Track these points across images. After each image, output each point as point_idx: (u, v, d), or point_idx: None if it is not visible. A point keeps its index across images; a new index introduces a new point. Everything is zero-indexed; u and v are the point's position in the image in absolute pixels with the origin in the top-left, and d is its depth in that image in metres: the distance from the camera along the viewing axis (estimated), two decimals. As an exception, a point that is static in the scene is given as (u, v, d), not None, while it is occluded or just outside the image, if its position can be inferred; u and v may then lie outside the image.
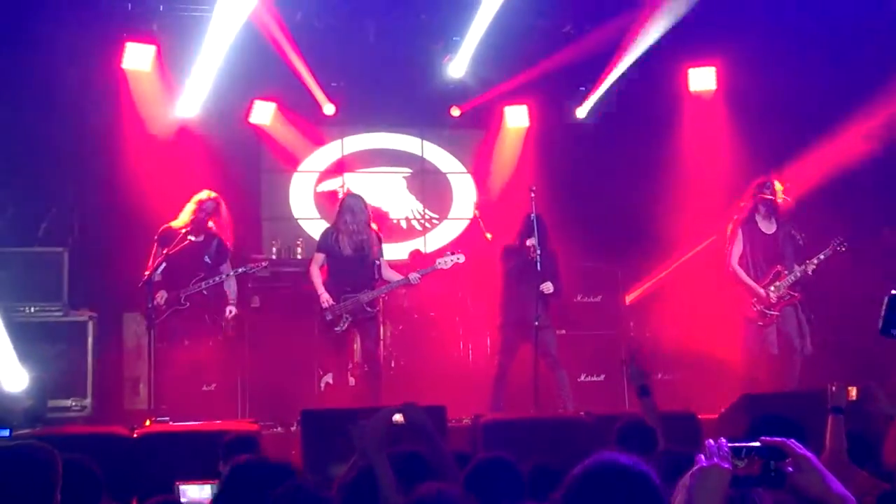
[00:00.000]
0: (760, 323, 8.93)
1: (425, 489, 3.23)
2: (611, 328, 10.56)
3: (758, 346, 8.95)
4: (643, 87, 11.81)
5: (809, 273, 8.94)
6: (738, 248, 9.06)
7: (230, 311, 8.90)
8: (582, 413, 8.23)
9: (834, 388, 5.25)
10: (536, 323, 8.85)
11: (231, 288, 9.02)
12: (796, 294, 8.96)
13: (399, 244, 12.31)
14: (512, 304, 9.19)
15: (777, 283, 8.91)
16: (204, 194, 8.90)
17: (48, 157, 10.17)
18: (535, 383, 8.88)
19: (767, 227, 9.08)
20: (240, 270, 8.75)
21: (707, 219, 10.62)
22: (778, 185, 9.17)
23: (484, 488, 3.70)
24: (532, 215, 9.01)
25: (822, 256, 8.88)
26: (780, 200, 9.09)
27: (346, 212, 8.95)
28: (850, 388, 5.28)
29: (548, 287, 9.02)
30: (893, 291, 1.79)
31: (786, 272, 8.94)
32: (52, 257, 9.60)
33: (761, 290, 8.89)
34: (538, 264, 8.86)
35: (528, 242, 9.00)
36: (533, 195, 9.01)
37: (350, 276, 8.79)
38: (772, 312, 8.89)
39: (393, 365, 10.51)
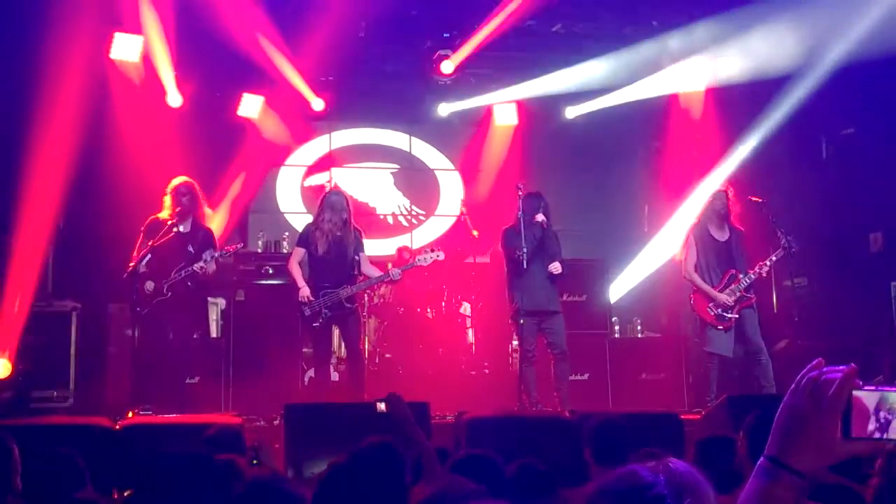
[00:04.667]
0: (720, 327, 8.97)
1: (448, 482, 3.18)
2: (595, 328, 10.57)
3: (720, 349, 8.99)
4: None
5: (763, 275, 9.03)
6: (692, 256, 9.12)
7: (201, 267, 8.66)
8: (566, 412, 8.24)
9: None
10: (536, 319, 8.95)
11: (210, 269, 8.79)
12: (752, 296, 9.03)
13: (385, 240, 12.32)
14: (524, 289, 9.02)
15: (732, 287, 8.97)
16: (177, 181, 8.83)
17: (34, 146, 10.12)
18: (520, 380, 8.88)
19: (719, 234, 9.16)
20: (215, 254, 8.67)
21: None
22: (730, 193, 9.26)
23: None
24: (536, 194, 9.14)
25: (773, 258, 8.97)
26: (758, 201, 9.16)
27: (325, 209, 8.89)
28: None
29: (556, 267, 9.00)
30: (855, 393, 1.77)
31: (740, 275, 9.00)
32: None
33: (719, 295, 8.95)
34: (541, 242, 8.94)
35: (538, 218, 8.97)
36: (520, 193, 9.02)
37: (326, 273, 8.73)
38: (731, 315, 8.94)
39: (377, 360, 10.50)
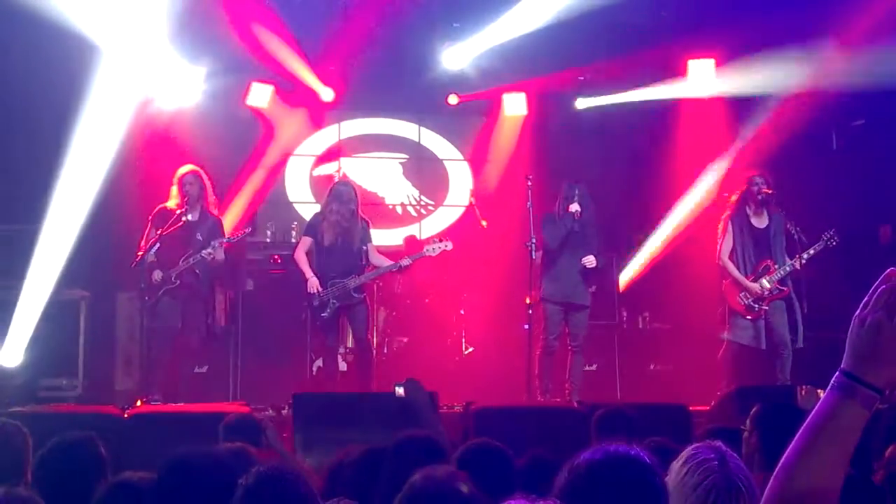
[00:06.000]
0: (749, 317, 8.91)
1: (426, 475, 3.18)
2: (604, 318, 10.55)
3: (745, 340, 8.94)
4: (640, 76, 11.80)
5: (799, 267, 8.89)
6: (728, 243, 9.03)
7: (209, 253, 8.64)
8: (574, 402, 8.25)
9: (804, 392, 5.18)
10: (563, 308, 8.96)
11: (218, 256, 8.83)
12: (785, 288, 8.95)
13: (394, 230, 12.29)
14: (554, 279, 9.04)
15: (766, 277, 8.90)
16: (184, 169, 8.84)
17: (41, 136, 10.13)
18: (528, 370, 8.88)
19: (758, 221, 9.05)
20: (223, 240, 8.68)
21: (702, 209, 10.65)
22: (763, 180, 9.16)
23: (474, 475, 3.67)
24: (571, 182, 9.10)
25: (812, 251, 8.85)
26: (768, 193, 9.09)
27: (333, 199, 8.88)
28: (818, 390, 5.19)
29: (590, 261, 8.96)
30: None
31: (775, 266, 8.92)
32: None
33: (751, 284, 8.88)
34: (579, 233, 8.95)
35: (572, 208, 8.93)
36: (529, 184, 8.99)
37: (334, 263, 8.74)
38: (761, 307, 8.88)
39: (385, 351, 10.51)
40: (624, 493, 2.29)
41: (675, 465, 2.52)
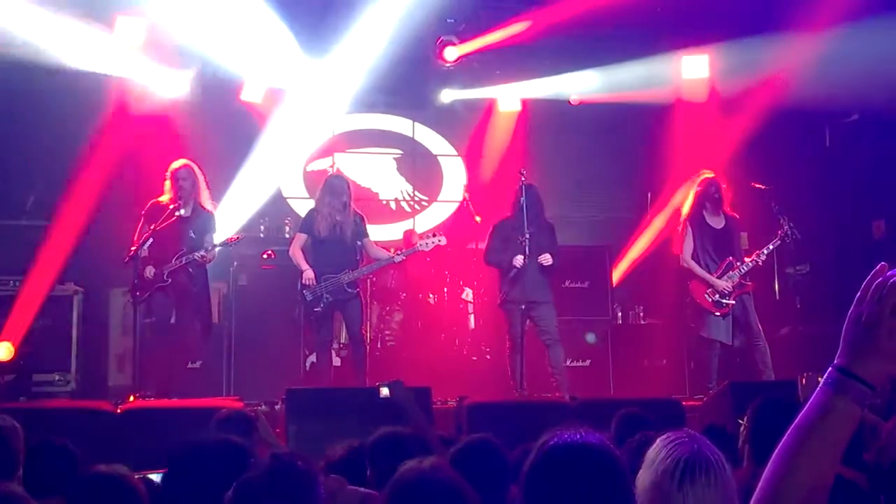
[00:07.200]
0: (717, 313, 8.98)
1: (411, 467, 3.19)
2: (598, 314, 10.55)
3: (720, 336, 8.99)
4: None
5: (760, 263, 9.07)
6: (689, 244, 9.13)
7: (202, 255, 8.61)
8: (567, 397, 8.25)
9: (804, 381, 5.17)
10: (523, 307, 8.86)
11: (210, 257, 8.79)
12: (749, 283, 9.05)
13: (388, 225, 12.30)
14: (513, 282, 8.97)
15: (730, 274, 8.99)
16: (177, 164, 8.80)
17: (37, 131, 10.12)
18: (521, 365, 8.88)
19: (715, 221, 9.18)
20: (217, 245, 8.65)
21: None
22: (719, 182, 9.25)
23: (469, 470, 3.68)
24: (522, 199, 8.93)
25: (771, 246, 9.04)
26: (766, 188, 9.17)
27: (326, 192, 8.88)
28: (819, 378, 5.18)
29: (546, 259, 8.95)
30: None
31: (738, 263, 9.01)
32: (39, 231, 9.57)
33: (719, 281, 8.96)
34: (527, 246, 8.81)
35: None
36: (523, 178, 8.99)
37: (328, 258, 8.73)
38: (728, 302, 8.94)
39: (379, 346, 10.51)
40: (581, 476, 2.37)
41: (653, 447, 2.61)
